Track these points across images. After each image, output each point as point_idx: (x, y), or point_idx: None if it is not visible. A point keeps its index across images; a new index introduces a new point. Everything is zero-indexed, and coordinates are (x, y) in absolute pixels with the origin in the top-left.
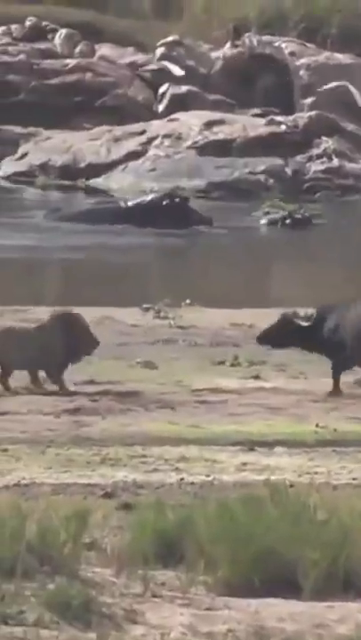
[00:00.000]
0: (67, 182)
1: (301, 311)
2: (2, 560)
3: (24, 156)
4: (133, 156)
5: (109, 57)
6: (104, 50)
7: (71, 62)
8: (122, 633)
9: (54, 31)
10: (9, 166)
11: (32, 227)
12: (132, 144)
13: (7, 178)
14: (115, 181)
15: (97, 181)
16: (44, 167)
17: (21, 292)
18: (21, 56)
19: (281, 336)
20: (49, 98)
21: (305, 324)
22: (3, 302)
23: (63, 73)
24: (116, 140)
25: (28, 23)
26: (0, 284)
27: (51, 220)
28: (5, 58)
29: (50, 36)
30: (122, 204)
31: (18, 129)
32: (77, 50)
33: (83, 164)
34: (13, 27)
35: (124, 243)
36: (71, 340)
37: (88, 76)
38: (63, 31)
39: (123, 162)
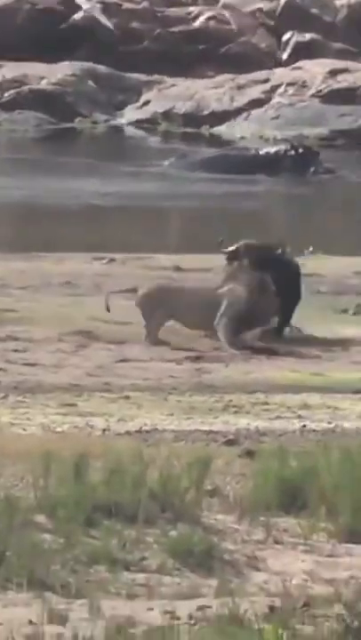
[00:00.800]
0: (190, 130)
1: None
2: (124, 506)
3: (147, 103)
4: (257, 103)
5: (233, 4)
6: None
7: (195, 10)
8: (243, 580)
9: None
10: (132, 113)
11: (157, 175)
12: (255, 92)
13: (130, 125)
14: (238, 129)
15: (220, 129)
16: (168, 114)
17: (145, 239)
18: (145, 3)
19: None
20: (173, 46)
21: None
22: (128, 250)
23: (187, 21)
24: (240, 87)
25: None
26: (123, 232)
27: (176, 167)
28: (129, 5)
29: None
30: (250, 153)
31: (142, 76)
32: None
33: (206, 112)
34: None
35: (249, 190)
36: None
37: (212, 23)
38: None
39: (246, 110)
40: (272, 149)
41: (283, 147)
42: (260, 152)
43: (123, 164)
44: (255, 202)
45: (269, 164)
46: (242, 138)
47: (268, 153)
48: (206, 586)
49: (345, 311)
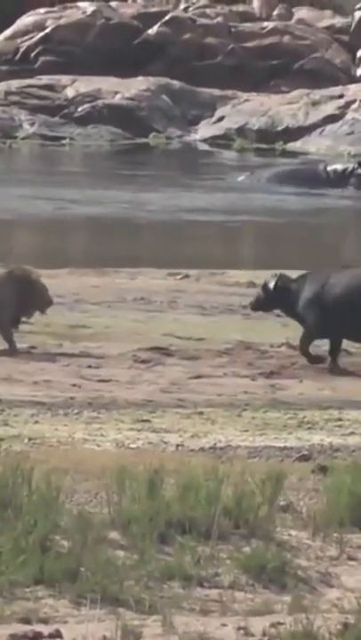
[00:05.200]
0: (264, 146)
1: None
2: (198, 522)
3: (221, 119)
4: (331, 119)
5: (307, 20)
6: (302, 13)
7: (269, 25)
8: (317, 596)
9: None
10: (206, 129)
11: (231, 190)
12: (329, 108)
13: (204, 141)
14: (312, 145)
15: (294, 145)
16: (242, 130)
17: (219, 255)
18: (219, 19)
19: (262, 300)
20: (246, 61)
21: (271, 285)
22: (200, 266)
23: (261, 36)
24: (314, 103)
25: None
26: (198, 247)
27: (250, 182)
28: (203, 20)
29: None
30: (321, 168)
31: (215, 92)
32: (275, 13)
33: (280, 128)
34: None
35: (319, 205)
36: (23, 296)
37: (286, 39)
38: None
39: (320, 125)
40: (340, 166)
41: (350, 165)
42: (329, 168)
43: (197, 180)
44: (324, 217)
45: (338, 180)
46: (316, 154)
47: (336, 170)
48: (280, 602)
49: None
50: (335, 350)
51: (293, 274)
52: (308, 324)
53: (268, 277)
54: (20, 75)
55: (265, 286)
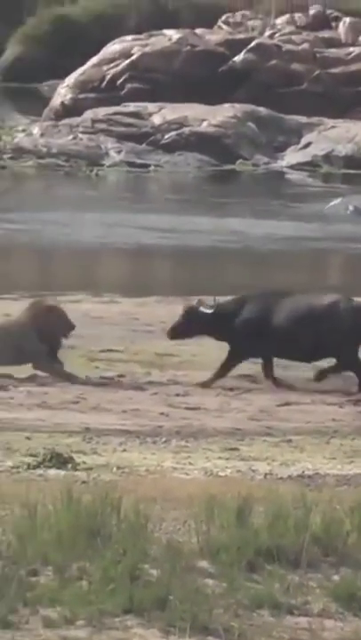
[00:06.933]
0: (351, 172)
1: (207, 300)
2: (287, 550)
3: (307, 145)
4: None
5: None
6: None
7: (355, 50)
8: None
9: (338, 19)
10: (293, 156)
11: (318, 217)
12: None
13: (291, 167)
14: None
15: None
16: (328, 157)
17: (301, 282)
18: (305, 45)
19: (188, 327)
20: (332, 87)
21: (208, 311)
22: None
23: (346, 62)
24: None
25: (311, 11)
26: (285, 275)
27: (337, 210)
28: (289, 46)
29: (334, 25)
30: None
31: (302, 118)
32: None
33: None
34: (297, 15)
35: None
36: (46, 328)
37: None
38: (347, 19)
39: None
40: None
41: None
42: None
43: (284, 207)
44: None
45: None
46: None
47: None
48: None
49: None
50: (269, 367)
51: None
52: (241, 348)
53: (194, 303)
54: (106, 102)
55: (195, 312)
